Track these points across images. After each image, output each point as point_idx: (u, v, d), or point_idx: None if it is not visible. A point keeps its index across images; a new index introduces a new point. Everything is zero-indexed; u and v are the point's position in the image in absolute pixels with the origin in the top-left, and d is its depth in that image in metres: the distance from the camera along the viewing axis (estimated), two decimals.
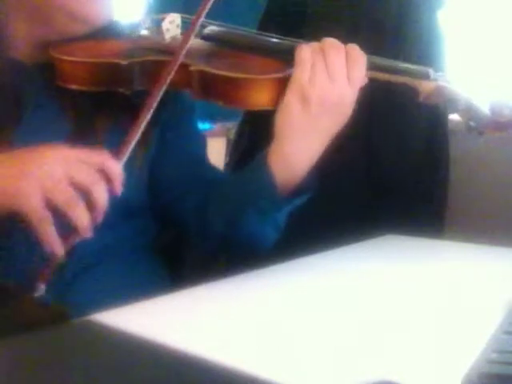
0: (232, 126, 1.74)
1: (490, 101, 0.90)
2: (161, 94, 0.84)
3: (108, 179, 0.77)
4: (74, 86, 0.92)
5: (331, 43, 0.88)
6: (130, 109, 0.88)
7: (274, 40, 0.97)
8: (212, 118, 2.09)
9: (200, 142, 1.06)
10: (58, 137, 0.88)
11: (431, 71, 0.91)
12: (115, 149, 0.82)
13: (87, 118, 0.93)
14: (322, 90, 0.85)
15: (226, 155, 1.62)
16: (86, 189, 0.75)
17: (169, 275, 1.03)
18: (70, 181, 0.74)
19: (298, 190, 0.90)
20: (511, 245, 1.00)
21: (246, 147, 1.43)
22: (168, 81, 0.85)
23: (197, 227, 0.98)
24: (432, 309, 0.74)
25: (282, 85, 0.88)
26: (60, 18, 0.91)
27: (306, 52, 0.87)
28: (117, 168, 0.78)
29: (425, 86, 0.90)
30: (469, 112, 0.90)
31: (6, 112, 0.90)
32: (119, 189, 0.78)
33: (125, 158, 0.82)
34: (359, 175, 1.39)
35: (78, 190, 0.75)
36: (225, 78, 0.88)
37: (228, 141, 1.89)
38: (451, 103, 0.90)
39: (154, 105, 0.84)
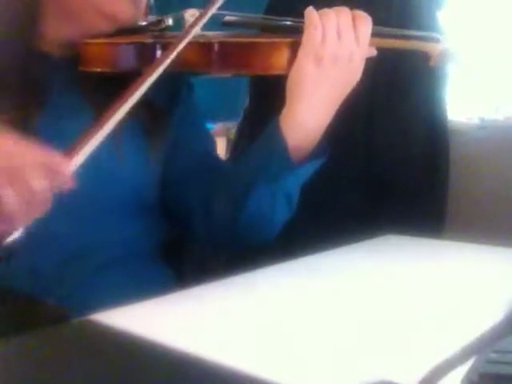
0: (232, 126, 1.74)
1: None
2: (157, 75, 0.84)
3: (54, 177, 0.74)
4: (97, 68, 0.94)
5: (338, 7, 0.92)
6: (148, 111, 0.90)
7: (288, 22, 1.02)
8: (212, 117, 2.09)
9: (209, 138, 1.07)
10: (80, 123, 0.90)
11: (439, 35, 0.99)
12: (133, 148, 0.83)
13: (108, 105, 0.94)
14: (333, 48, 0.89)
15: (226, 155, 1.62)
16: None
17: (171, 275, 1.03)
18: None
19: (310, 156, 0.92)
20: (511, 245, 1.00)
21: (246, 146, 1.43)
22: (169, 61, 0.86)
23: (202, 219, 0.97)
24: (432, 309, 0.74)
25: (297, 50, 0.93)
26: (89, 15, 0.93)
27: (315, 15, 0.91)
28: (65, 166, 0.75)
29: (435, 49, 0.97)
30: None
31: (32, 99, 0.92)
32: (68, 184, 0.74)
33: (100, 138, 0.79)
34: (359, 175, 1.39)
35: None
36: (244, 45, 0.93)
37: (228, 140, 1.89)
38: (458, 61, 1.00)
39: (146, 85, 0.83)
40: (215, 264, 1.20)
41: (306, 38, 0.90)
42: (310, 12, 0.92)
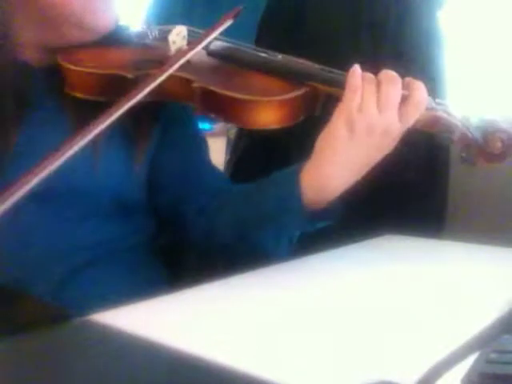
0: (232, 126, 1.74)
1: (484, 132, 0.89)
2: (133, 102, 0.83)
3: None
4: (79, 95, 0.93)
5: (388, 76, 0.85)
6: (131, 114, 0.88)
7: (280, 59, 0.95)
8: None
9: (201, 144, 1.05)
10: (57, 136, 0.89)
11: (430, 99, 0.89)
12: (114, 150, 0.82)
13: (87, 120, 0.94)
14: (370, 119, 0.83)
15: (226, 155, 1.62)
16: None
17: (167, 275, 1.03)
18: None
19: (322, 214, 0.89)
20: (511, 245, 1.00)
21: (246, 146, 1.43)
22: (146, 91, 0.83)
23: (200, 233, 0.97)
24: (431, 308, 0.74)
25: (284, 106, 0.87)
26: (67, 26, 0.93)
27: (357, 78, 0.84)
28: None
29: (422, 115, 0.88)
30: (462, 143, 0.90)
31: (10, 111, 0.92)
32: None
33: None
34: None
35: None
36: (226, 98, 0.87)
37: (228, 140, 1.89)
38: (446, 133, 0.89)
39: (119, 113, 0.81)
40: (214, 264, 1.20)
41: (343, 102, 0.84)
42: (353, 75, 0.85)
